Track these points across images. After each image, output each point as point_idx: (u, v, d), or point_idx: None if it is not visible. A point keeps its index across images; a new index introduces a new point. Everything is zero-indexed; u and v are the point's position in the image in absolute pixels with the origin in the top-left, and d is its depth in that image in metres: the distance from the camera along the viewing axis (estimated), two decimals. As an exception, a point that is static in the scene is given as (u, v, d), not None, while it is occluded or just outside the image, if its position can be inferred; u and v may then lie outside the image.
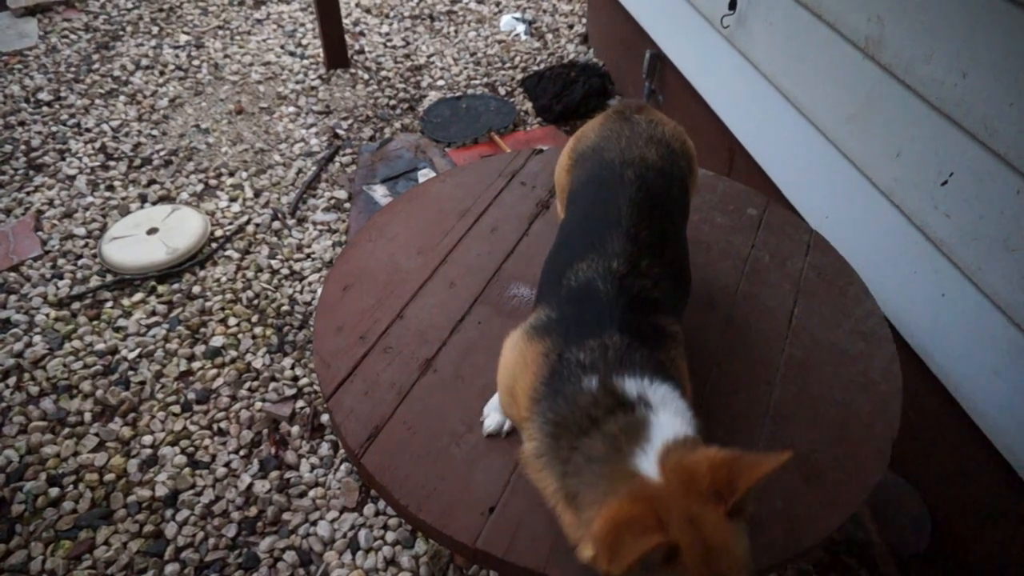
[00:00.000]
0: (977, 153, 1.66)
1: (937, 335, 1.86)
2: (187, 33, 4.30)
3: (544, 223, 1.82)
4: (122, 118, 3.60)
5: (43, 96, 3.73)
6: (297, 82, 3.90)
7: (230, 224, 3.02)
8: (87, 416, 2.30)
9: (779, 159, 2.53)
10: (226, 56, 4.11)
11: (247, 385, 2.40)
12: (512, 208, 1.87)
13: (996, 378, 1.69)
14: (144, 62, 4.02)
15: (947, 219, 1.77)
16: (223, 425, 2.29)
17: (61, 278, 2.77)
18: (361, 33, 4.35)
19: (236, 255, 2.88)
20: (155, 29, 4.33)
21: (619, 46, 3.87)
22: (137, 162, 3.33)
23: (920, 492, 1.99)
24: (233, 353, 2.51)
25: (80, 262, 2.84)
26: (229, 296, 2.71)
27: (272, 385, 2.40)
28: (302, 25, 4.42)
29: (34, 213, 3.04)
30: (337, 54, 3.98)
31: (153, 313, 2.64)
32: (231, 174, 3.28)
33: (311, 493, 2.11)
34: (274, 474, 2.15)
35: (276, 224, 3.02)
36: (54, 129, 3.51)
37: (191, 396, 2.37)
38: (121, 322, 2.61)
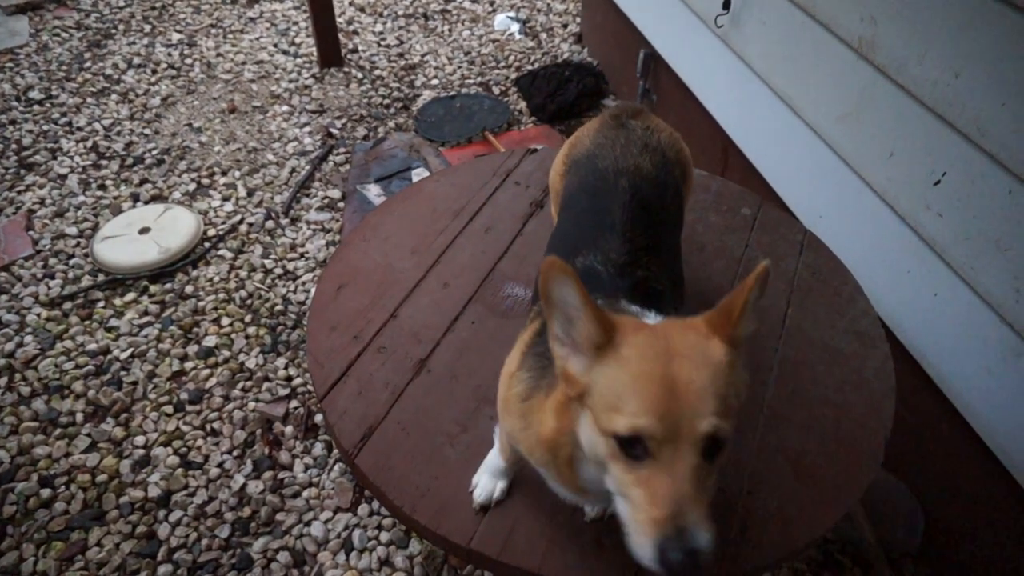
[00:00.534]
0: (969, 153, 1.66)
1: (930, 334, 1.86)
2: (179, 31, 4.28)
3: (538, 222, 1.81)
4: (114, 117, 3.58)
5: (34, 95, 3.70)
6: (290, 81, 3.89)
7: (223, 223, 3.00)
8: (79, 416, 2.29)
9: (773, 159, 2.54)
10: (219, 55, 4.09)
11: (240, 385, 2.39)
12: (506, 207, 1.86)
13: (988, 376, 1.69)
14: (136, 60, 4.00)
15: (940, 219, 1.78)
16: (216, 425, 2.28)
17: (52, 278, 2.75)
18: (355, 32, 4.34)
19: (229, 255, 2.86)
20: (147, 27, 4.31)
21: (613, 45, 3.87)
22: (129, 161, 3.31)
23: (913, 490, 2.00)
24: (226, 353, 2.49)
25: (72, 262, 2.82)
26: (222, 296, 2.70)
27: (266, 385, 2.39)
28: (295, 24, 4.40)
29: (25, 212, 3.02)
30: (331, 53, 3.97)
31: (145, 313, 2.63)
32: (224, 173, 3.26)
33: (305, 493, 2.10)
34: (268, 474, 2.14)
35: (269, 223, 3.01)
36: (45, 128, 3.49)
37: (184, 396, 2.35)
38: (113, 322, 2.59)
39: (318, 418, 2.30)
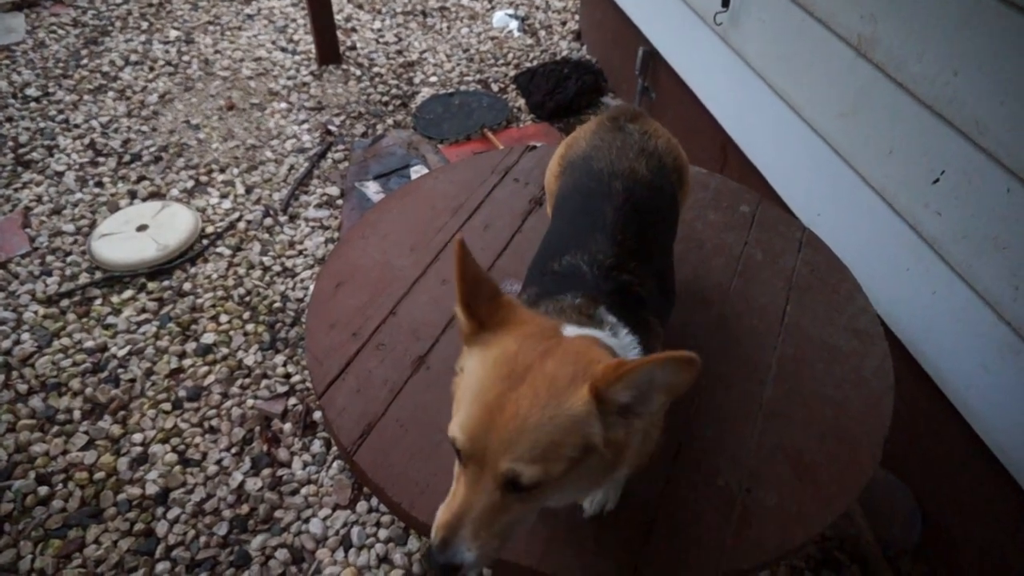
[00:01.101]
0: (968, 151, 1.66)
1: (928, 332, 1.87)
2: (177, 28, 4.27)
3: (537, 219, 1.81)
4: (111, 114, 3.57)
5: (31, 92, 3.69)
6: (289, 78, 3.88)
7: (221, 221, 3.00)
8: (76, 414, 2.29)
9: (772, 156, 2.54)
10: (216, 52, 4.08)
11: (239, 382, 2.39)
12: (505, 204, 1.86)
13: (986, 374, 1.70)
14: (133, 58, 3.99)
15: (938, 217, 1.78)
16: (214, 423, 2.27)
17: (50, 275, 2.74)
18: (353, 29, 4.33)
19: (227, 252, 2.86)
20: (144, 24, 4.29)
21: (612, 43, 3.87)
22: (127, 158, 3.30)
23: (911, 488, 2.00)
24: (224, 350, 2.49)
25: (69, 259, 2.81)
26: (220, 293, 2.69)
27: (264, 382, 2.39)
28: (293, 20, 4.39)
29: (22, 210, 3.01)
30: (329, 50, 3.96)
31: (143, 310, 2.62)
32: (222, 170, 3.26)
33: (303, 490, 2.10)
34: (266, 472, 2.14)
35: (268, 221, 3.01)
36: (42, 125, 3.48)
37: (182, 394, 2.35)
38: (111, 319, 2.59)
39: (317, 415, 2.30)
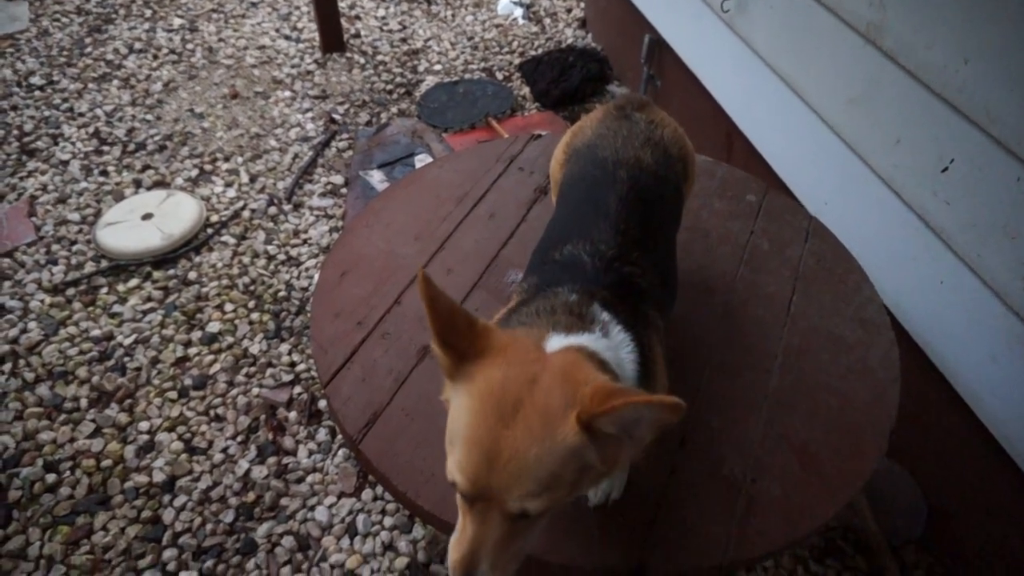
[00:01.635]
0: (978, 140, 1.65)
1: (935, 322, 1.86)
2: (181, 16, 4.25)
3: (542, 208, 1.80)
4: (116, 102, 3.56)
5: (35, 80, 3.69)
6: (293, 66, 3.86)
7: (226, 210, 3.00)
8: (83, 402, 2.30)
9: (778, 145, 2.52)
10: (220, 40, 4.06)
11: (244, 371, 2.40)
12: (510, 194, 1.86)
13: (993, 364, 1.69)
14: (137, 46, 3.98)
15: (947, 206, 1.77)
16: (220, 411, 2.28)
17: (56, 264, 2.75)
18: (357, 17, 4.31)
19: (232, 241, 2.86)
20: (148, 12, 4.28)
21: (617, 30, 3.84)
22: (131, 147, 3.30)
23: (916, 478, 2.00)
24: (230, 339, 2.50)
25: (75, 248, 2.82)
26: (225, 282, 2.69)
27: (269, 371, 2.39)
28: (297, 8, 4.37)
29: (27, 199, 3.01)
30: (333, 38, 3.94)
31: (149, 299, 2.63)
32: (226, 159, 3.25)
33: (309, 479, 2.11)
34: (272, 460, 2.15)
35: (272, 210, 3.00)
36: (47, 114, 3.47)
37: (188, 382, 2.36)
38: (116, 308, 2.59)
39: (322, 404, 2.30)
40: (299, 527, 2.00)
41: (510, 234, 1.73)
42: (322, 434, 2.22)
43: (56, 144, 3.30)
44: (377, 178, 3.07)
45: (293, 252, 2.82)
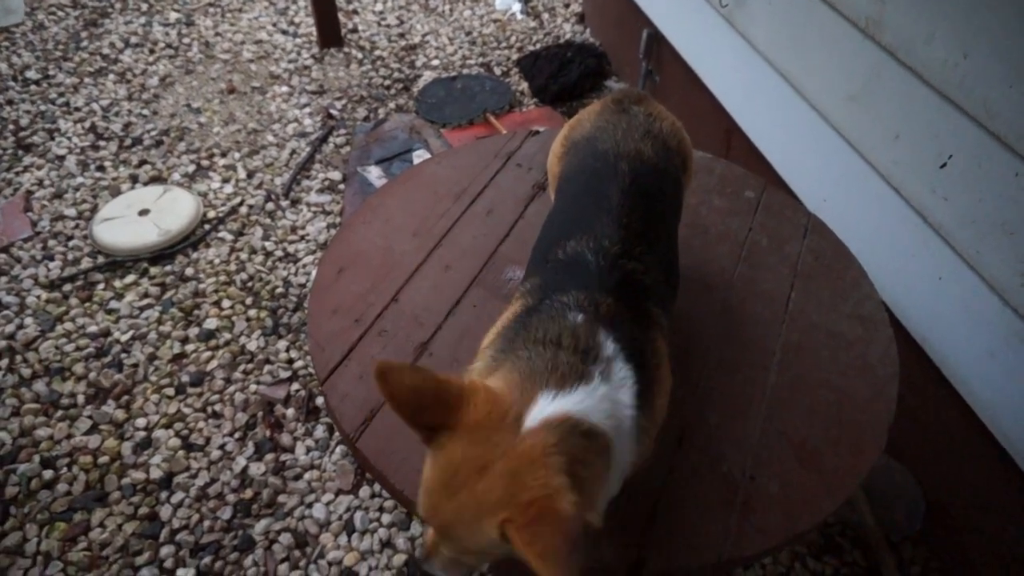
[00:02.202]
0: (977, 135, 1.64)
1: (934, 318, 1.86)
2: (177, 10, 4.23)
3: (540, 205, 1.80)
4: (112, 97, 3.55)
5: (31, 74, 3.67)
6: (290, 61, 3.85)
7: (223, 205, 2.99)
8: (80, 399, 2.29)
9: (777, 141, 2.52)
10: (217, 34, 4.05)
11: (241, 368, 2.39)
12: (508, 190, 1.85)
13: (991, 361, 1.69)
14: (134, 40, 3.96)
15: (945, 202, 1.76)
16: (217, 408, 2.28)
17: (52, 260, 2.74)
18: (354, 11, 4.29)
19: (229, 237, 2.85)
20: (144, 6, 4.26)
21: (615, 25, 3.83)
22: (128, 142, 3.29)
23: (914, 474, 2.00)
24: (227, 336, 2.49)
25: (71, 243, 2.81)
26: (223, 278, 2.69)
27: (267, 368, 2.39)
28: (294, 2, 4.35)
29: (23, 194, 3.00)
30: (330, 32, 3.92)
31: (146, 295, 2.62)
32: (223, 155, 3.24)
33: (306, 475, 2.11)
34: (269, 456, 2.14)
35: (270, 206, 2.99)
36: (43, 108, 3.46)
37: (185, 379, 2.35)
38: (113, 304, 2.58)
39: (319, 400, 2.30)
40: (297, 524, 2.00)
41: (508, 231, 1.73)
42: (320, 431, 2.22)
43: (52, 139, 3.28)
44: (375, 174, 3.06)
45: (291, 248, 2.82)
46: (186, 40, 3.98)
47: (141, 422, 2.23)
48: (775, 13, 2.35)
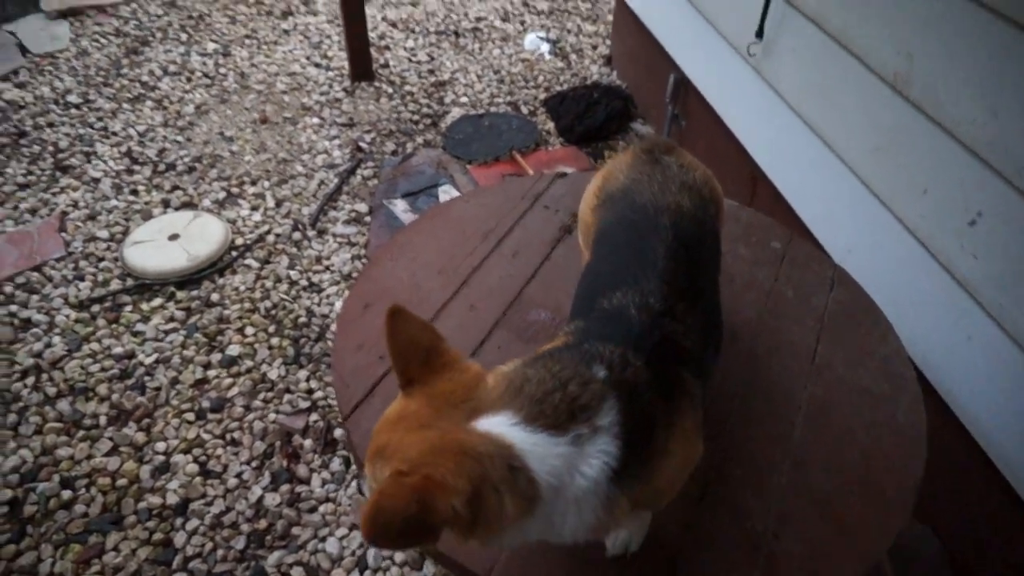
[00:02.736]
0: (1007, 194, 1.64)
1: (962, 378, 1.83)
2: (215, 41, 4.36)
3: (567, 248, 1.81)
4: (148, 123, 3.64)
5: (72, 98, 3.78)
6: (321, 93, 3.93)
7: (251, 233, 3.04)
8: (102, 419, 2.31)
9: (803, 190, 2.52)
10: (252, 65, 4.15)
11: (261, 396, 2.41)
12: (535, 232, 1.87)
13: (1022, 423, 1.66)
14: (172, 68, 4.08)
15: (974, 259, 1.75)
16: (236, 435, 2.29)
17: (82, 280, 2.79)
18: (386, 47, 4.39)
19: (256, 264, 2.89)
20: (184, 36, 4.39)
21: (643, 69, 3.88)
22: (161, 167, 3.36)
23: (939, 536, 1.95)
24: (249, 363, 2.51)
25: (102, 265, 2.86)
26: (247, 305, 2.72)
27: (286, 397, 2.40)
28: (328, 37, 4.46)
29: (59, 214, 3.07)
30: (362, 67, 4.01)
31: (171, 319, 2.66)
32: (253, 183, 3.30)
33: (321, 508, 2.10)
34: (285, 487, 2.14)
35: (296, 235, 3.04)
36: (81, 131, 3.56)
37: (205, 404, 2.37)
38: (139, 326, 2.62)
39: (338, 432, 2.30)
40: (309, 558, 1.99)
41: (534, 272, 1.74)
42: (336, 464, 2.21)
43: (89, 162, 3.37)
44: (401, 207, 3.10)
45: (315, 278, 2.85)
46: (222, 70, 4.09)
47: (160, 446, 2.25)
48: (802, 63, 2.38)
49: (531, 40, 4.46)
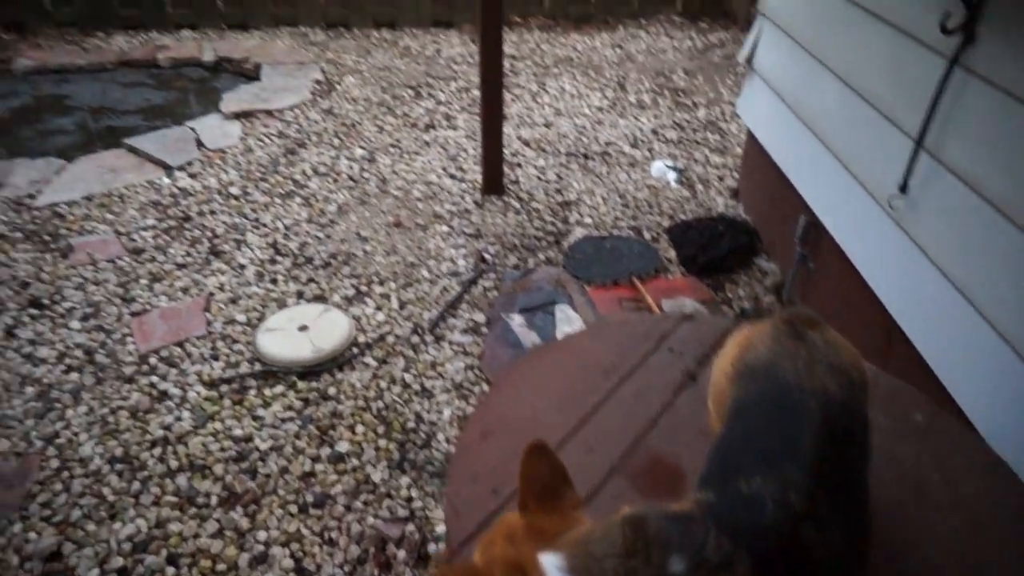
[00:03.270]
0: None
1: None
2: (363, 148, 4.75)
3: (690, 396, 1.76)
4: (295, 218, 3.96)
5: (233, 190, 4.20)
6: (453, 203, 4.16)
7: (373, 332, 3.17)
8: (213, 499, 2.40)
9: (946, 354, 2.36)
10: (393, 172, 4.48)
11: (363, 497, 2.43)
12: (658, 374, 1.83)
13: None
14: (322, 169, 4.46)
15: None
16: (334, 535, 2.31)
17: (216, 359, 2.99)
18: (518, 164, 4.62)
19: (373, 363, 3.00)
20: (336, 141, 4.82)
21: (770, 206, 3.86)
22: (300, 260, 3.62)
23: None
24: (355, 462, 2.56)
25: (235, 347, 3.06)
26: (360, 403, 2.80)
27: (386, 502, 2.41)
28: (464, 151, 4.76)
29: (207, 295, 3.35)
30: (494, 181, 4.23)
31: (290, 407, 2.78)
32: (381, 283, 3.48)
33: (407, 628, 2.05)
34: (374, 599, 2.12)
35: (415, 338, 3.14)
36: (237, 220, 3.91)
37: (309, 498, 2.42)
38: (260, 411, 2.75)
39: (431, 547, 2.27)
40: None
41: (656, 418, 1.70)
42: (427, 581, 2.18)
43: (239, 249, 3.68)
44: (517, 322, 3.15)
45: (428, 384, 2.91)
46: (366, 174, 4.43)
47: (262, 535, 2.29)
48: (952, 223, 2.28)
49: (658, 167, 4.57)
